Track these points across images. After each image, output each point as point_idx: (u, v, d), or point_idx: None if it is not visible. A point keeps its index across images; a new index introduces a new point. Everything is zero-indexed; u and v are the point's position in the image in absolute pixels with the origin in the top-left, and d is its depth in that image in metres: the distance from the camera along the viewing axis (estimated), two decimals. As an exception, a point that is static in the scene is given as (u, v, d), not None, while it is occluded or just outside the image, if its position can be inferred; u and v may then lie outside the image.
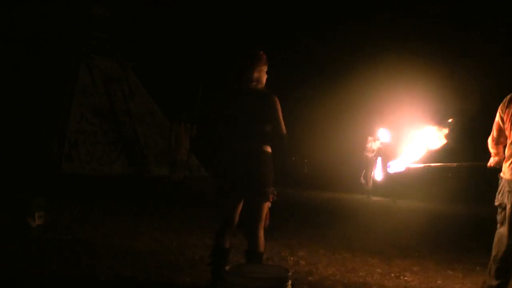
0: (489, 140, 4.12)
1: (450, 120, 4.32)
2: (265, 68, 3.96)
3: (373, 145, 13.46)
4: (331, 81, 19.52)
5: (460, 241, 7.34)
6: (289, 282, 3.05)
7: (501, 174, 3.97)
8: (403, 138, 4.71)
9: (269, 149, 3.90)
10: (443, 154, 4.49)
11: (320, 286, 4.47)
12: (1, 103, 14.87)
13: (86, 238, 5.67)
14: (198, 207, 9.00)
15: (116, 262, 4.69)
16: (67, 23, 16.26)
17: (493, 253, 3.95)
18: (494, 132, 4.03)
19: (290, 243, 6.15)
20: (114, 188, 11.17)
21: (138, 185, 12.22)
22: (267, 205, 3.91)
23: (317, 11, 22.51)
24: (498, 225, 3.96)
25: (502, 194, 3.94)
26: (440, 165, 4.63)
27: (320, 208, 11.03)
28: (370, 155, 13.49)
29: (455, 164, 4.87)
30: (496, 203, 3.98)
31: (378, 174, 13.39)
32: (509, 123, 3.85)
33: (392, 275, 5.03)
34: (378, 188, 13.58)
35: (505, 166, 3.92)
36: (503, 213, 3.91)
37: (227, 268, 3.15)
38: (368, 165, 13.57)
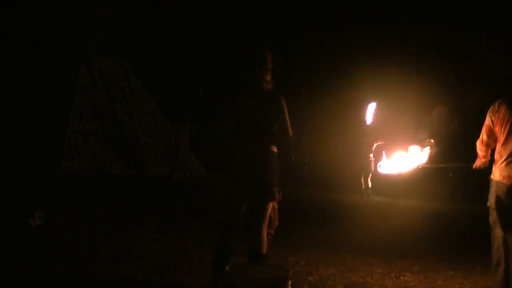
0: (478, 143, 4.22)
1: (431, 140, 4.48)
2: (271, 68, 3.95)
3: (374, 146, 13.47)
4: (331, 81, 19.53)
5: (460, 241, 7.35)
6: (289, 282, 3.05)
7: (491, 176, 4.03)
8: (396, 143, 4.83)
9: (275, 149, 3.90)
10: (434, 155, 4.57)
11: (320, 286, 4.47)
12: (1, 103, 14.85)
13: (86, 238, 5.67)
14: (198, 207, 9.00)
15: (116, 262, 4.69)
16: (67, 23, 16.25)
17: (495, 258, 3.93)
18: (483, 136, 4.12)
19: (290, 243, 6.15)
20: (114, 188, 11.16)
21: (138, 185, 12.21)
22: (271, 205, 3.91)
23: (317, 11, 22.52)
24: (491, 229, 3.98)
25: (492, 195, 3.98)
26: (429, 166, 4.68)
27: (320, 208, 11.03)
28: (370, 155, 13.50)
29: (442, 165, 5.00)
30: (488, 204, 4.03)
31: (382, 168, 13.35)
32: (499, 126, 3.93)
33: (392, 275, 5.04)
34: (378, 188, 13.58)
35: (494, 168, 3.99)
36: (494, 214, 3.95)
37: (227, 268, 3.15)
38: (368, 165, 13.56)
